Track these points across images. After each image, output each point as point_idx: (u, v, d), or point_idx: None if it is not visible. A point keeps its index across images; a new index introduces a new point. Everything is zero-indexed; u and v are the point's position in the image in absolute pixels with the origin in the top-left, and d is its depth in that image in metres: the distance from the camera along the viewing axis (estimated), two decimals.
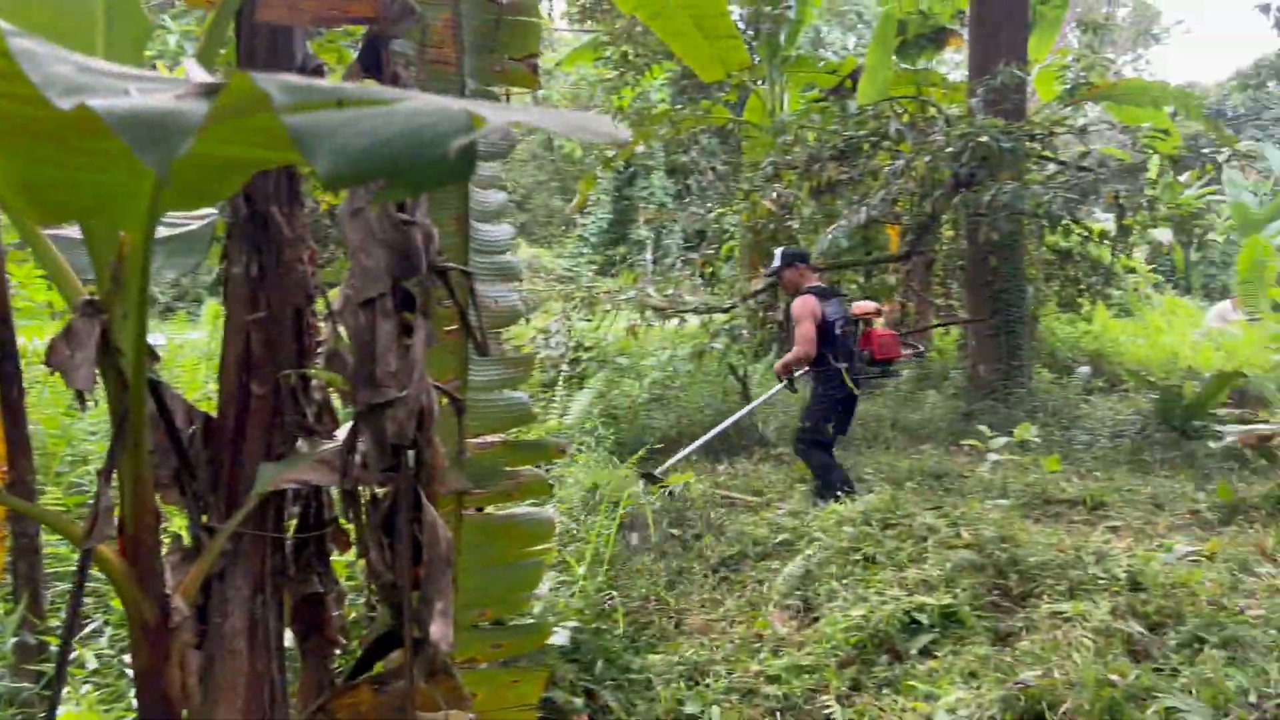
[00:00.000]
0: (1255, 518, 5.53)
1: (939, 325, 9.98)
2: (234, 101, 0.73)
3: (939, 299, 12.04)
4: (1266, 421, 6.31)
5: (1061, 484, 6.08)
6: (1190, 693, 3.16)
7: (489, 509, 1.90)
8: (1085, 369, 9.62)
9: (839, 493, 5.57)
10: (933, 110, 7.74)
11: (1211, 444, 7.01)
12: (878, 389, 8.76)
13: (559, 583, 3.97)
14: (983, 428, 6.12)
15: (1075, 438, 7.32)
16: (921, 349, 6.41)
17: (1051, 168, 7.20)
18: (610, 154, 11.64)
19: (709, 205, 10.26)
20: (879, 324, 6.40)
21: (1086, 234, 8.27)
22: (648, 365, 7.83)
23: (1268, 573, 4.26)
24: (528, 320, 8.17)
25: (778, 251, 6.50)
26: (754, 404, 6.58)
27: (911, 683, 3.44)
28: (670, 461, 6.08)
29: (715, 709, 3.54)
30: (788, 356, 6.15)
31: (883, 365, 6.28)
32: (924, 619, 3.85)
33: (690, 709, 3.58)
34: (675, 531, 5.25)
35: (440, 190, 1.96)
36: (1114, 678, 3.12)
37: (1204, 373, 9.59)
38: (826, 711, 3.43)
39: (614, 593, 3.96)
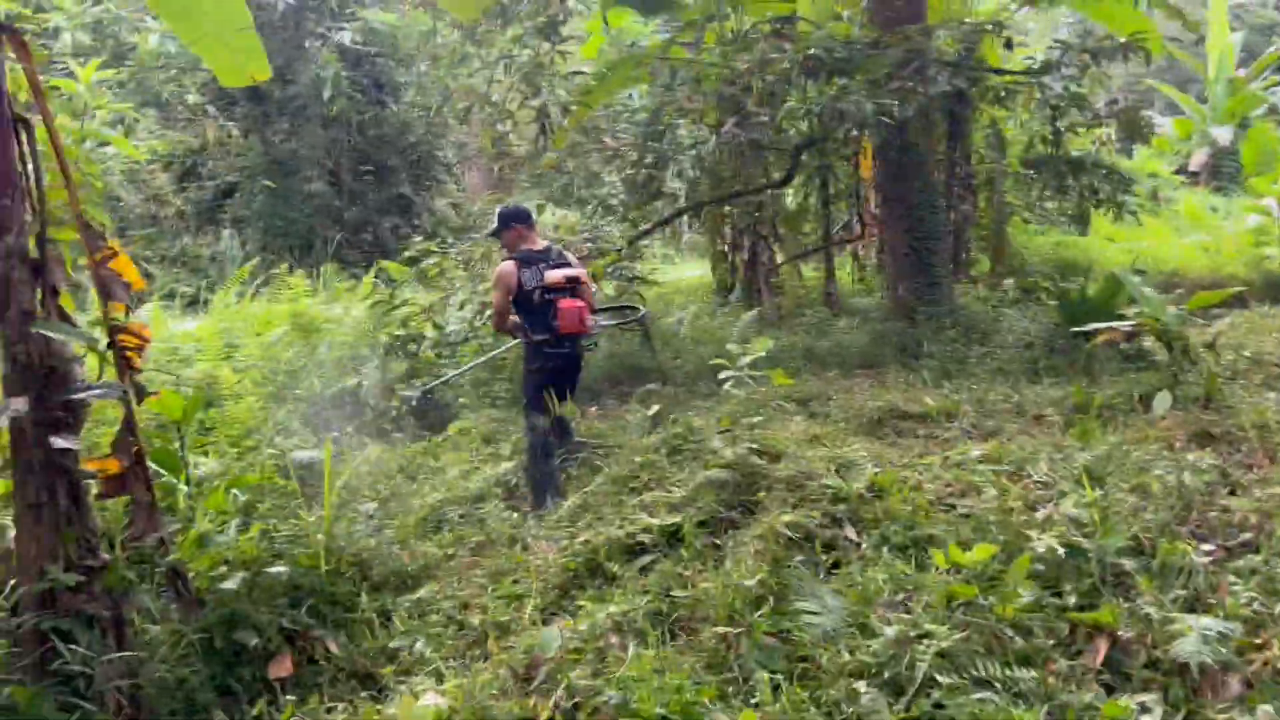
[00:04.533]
0: (1108, 416, 5.30)
1: (816, 250, 9.64)
2: None
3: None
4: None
5: (924, 398, 5.89)
6: (840, 593, 3.10)
7: None
8: (1010, 280, 9.24)
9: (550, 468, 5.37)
10: (804, 26, 7.45)
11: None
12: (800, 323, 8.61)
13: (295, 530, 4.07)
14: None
15: (974, 351, 7.07)
16: (642, 313, 5.93)
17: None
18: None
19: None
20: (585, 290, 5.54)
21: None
22: None
23: (1041, 471, 4.10)
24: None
25: (497, 210, 5.78)
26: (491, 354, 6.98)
27: (584, 603, 3.44)
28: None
29: (420, 641, 3.60)
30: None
31: (570, 340, 5.42)
32: (647, 540, 3.84)
33: (396, 643, 3.65)
34: None
35: None
36: (747, 583, 3.07)
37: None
38: (511, 638, 3.46)
39: (332, 535, 4.01)
